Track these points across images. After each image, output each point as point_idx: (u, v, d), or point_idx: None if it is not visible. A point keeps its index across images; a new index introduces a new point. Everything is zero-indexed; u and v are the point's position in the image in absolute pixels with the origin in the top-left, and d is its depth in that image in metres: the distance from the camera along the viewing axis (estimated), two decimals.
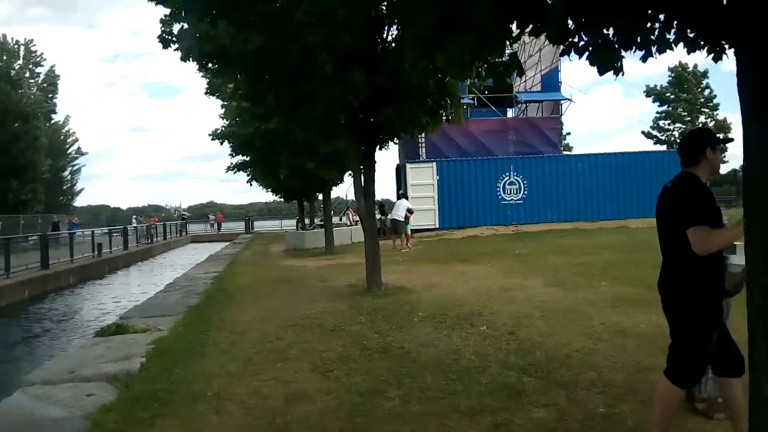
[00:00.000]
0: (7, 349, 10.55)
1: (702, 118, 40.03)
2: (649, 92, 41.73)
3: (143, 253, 29.16)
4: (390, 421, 3.80)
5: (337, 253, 16.10)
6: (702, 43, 3.16)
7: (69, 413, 4.30)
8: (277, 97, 8.56)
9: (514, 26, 2.92)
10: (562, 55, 3.18)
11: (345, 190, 27.67)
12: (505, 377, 4.53)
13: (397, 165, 24.73)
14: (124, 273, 23.04)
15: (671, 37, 3.19)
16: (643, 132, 41.79)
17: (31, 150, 37.19)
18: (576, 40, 3.17)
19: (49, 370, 5.73)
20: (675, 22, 3.00)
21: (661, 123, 41.17)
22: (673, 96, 40.13)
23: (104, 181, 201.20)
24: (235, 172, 19.14)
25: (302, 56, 7.39)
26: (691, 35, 3.07)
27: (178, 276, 14.45)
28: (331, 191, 21.88)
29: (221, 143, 15.86)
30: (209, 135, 16.20)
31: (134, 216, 43.80)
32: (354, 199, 10.47)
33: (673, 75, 40.43)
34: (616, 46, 3.26)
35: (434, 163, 21.95)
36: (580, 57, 3.01)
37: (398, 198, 18.05)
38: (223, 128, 16.06)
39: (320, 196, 20.51)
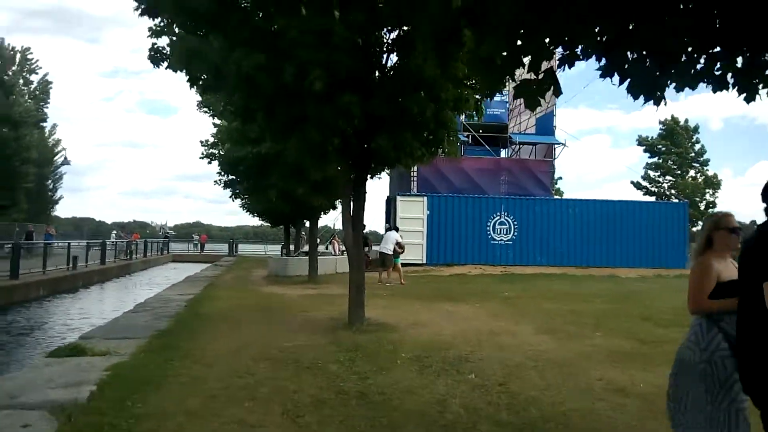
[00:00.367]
0: None
1: (692, 172, 40.44)
2: (641, 142, 42.17)
3: (120, 270, 28.28)
4: None
5: (321, 283, 15.57)
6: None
7: None
8: (269, 117, 8.22)
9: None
10: (603, 76, 2.87)
11: (333, 218, 27.20)
12: None
13: (388, 197, 24.44)
14: (97, 288, 22.21)
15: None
16: (632, 182, 42.11)
17: (16, 158, 36.43)
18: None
19: None
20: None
21: (651, 174, 41.50)
22: (664, 148, 40.56)
23: (93, 193, 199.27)
24: (224, 188, 18.65)
25: (297, 75, 7.08)
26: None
27: (151, 296, 13.80)
28: (319, 219, 21.46)
29: (209, 162, 15.46)
30: (200, 155, 15.84)
31: (114, 231, 42.70)
32: (342, 228, 10.04)
33: (664, 128, 40.97)
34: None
35: (425, 198, 21.66)
36: (622, 80, 2.71)
37: (386, 230, 17.64)
38: (214, 148, 15.68)
39: (308, 223, 20.06)
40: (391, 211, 22.23)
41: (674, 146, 40.36)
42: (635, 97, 2.94)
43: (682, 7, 2.93)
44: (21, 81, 41.50)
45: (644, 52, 3.10)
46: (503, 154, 27.99)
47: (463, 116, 23.96)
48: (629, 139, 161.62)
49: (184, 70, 7.67)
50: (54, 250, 22.23)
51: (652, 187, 41.29)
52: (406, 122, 7.74)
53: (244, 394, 4.96)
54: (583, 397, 5.03)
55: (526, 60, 3.05)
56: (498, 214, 21.88)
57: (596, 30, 2.80)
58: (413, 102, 7.43)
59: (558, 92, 3.06)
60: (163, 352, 6.65)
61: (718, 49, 3.23)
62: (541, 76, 2.95)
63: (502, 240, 21.93)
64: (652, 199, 39.39)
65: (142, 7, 7.40)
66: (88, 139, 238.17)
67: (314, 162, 9.66)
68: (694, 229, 27.97)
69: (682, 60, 3.10)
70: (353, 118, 7.33)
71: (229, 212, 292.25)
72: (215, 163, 16.68)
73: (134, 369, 5.88)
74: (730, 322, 2.80)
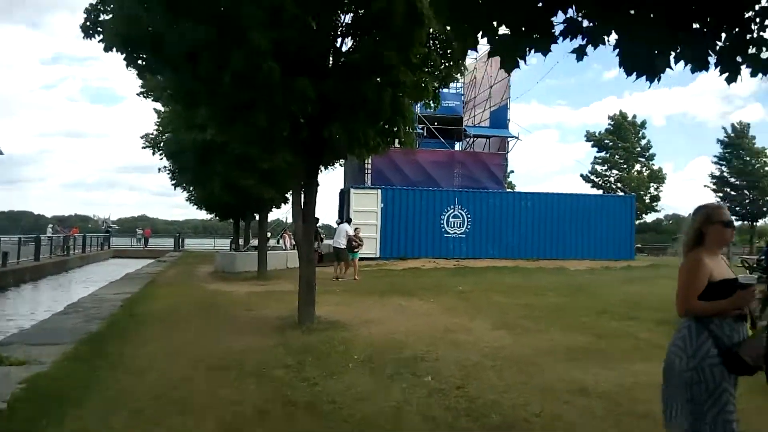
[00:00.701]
0: None
1: (638, 167, 41.76)
2: (589, 137, 43.21)
3: (56, 266, 26.62)
4: None
5: (270, 279, 14.95)
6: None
7: None
8: (213, 102, 7.62)
9: None
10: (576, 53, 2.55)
11: (285, 212, 26.44)
12: None
13: (341, 189, 23.96)
14: (30, 287, 20.75)
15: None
16: (581, 175, 43.12)
17: None
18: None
19: None
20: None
21: (598, 168, 42.60)
22: (611, 143, 41.70)
23: (32, 186, 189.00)
24: (171, 179, 17.62)
25: (247, 60, 6.52)
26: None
27: (85, 295, 12.86)
28: (270, 212, 20.74)
29: (153, 153, 14.55)
30: (142, 144, 14.89)
31: (50, 225, 40.29)
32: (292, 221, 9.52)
33: (612, 123, 42.13)
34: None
35: (379, 191, 21.28)
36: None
37: (338, 224, 17.18)
38: (156, 136, 14.75)
39: (257, 217, 19.33)
40: (344, 204, 21.76)
41: (621, 141, 41.52)
42: (628, 72, 2.66)
43: None
44: None
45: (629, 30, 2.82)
46: (458, 146, 27.93)
47: (418, 107, 23.68)
48: (577, 134, 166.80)
49: (122, 46, 6.97)
50: None
51: (599, 180, 42.41)
52: (362, 109, 7.32)
53: (177, 408, 4.44)
54: (546, 399, 4.76)
55: None
56: (452, 207, 21.76)
57: None
58: (369, 87, 7.02)
59: (547, 49, 2.73)
60: (89, 360, 6.01)
61: (696, 26, 2.99)
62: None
63: (455, 233, 21.83)
64: (600, 192, 40.42)
65: None
66: (26, 129, 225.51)
67: (262, 151, 9.14)
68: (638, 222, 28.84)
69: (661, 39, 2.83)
70: (307, 103, 6.86)
71: (176, 205, 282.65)
72: (164, 155, 15.73)
73: (55, 381, 5.23)
74: (721, 326, 2.53)
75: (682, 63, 2.94)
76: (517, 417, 4.34)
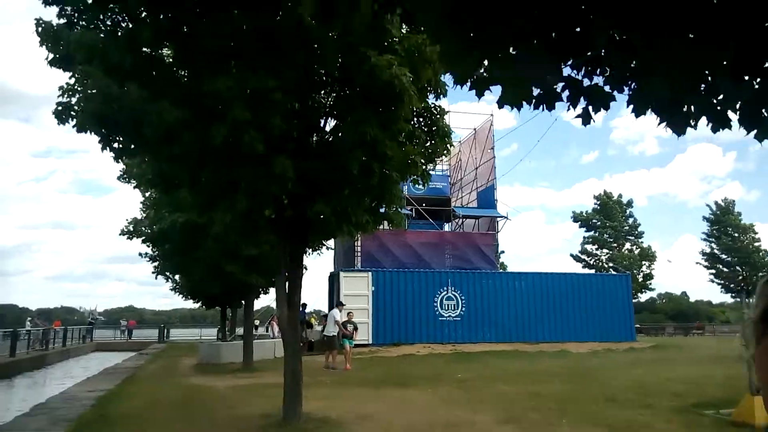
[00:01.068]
0: None
1: (628, 245, 41.75)
2: (576, 217, 43.50)
3: (33, 362, 25.19)
4: None
5: (256, 370, 14.03)
6: None
7: None
8: (192, 184, 7.32)
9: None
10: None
11: (273, 298, 25.65)
12: None
13: (331, 273, 23.39)
14: (3, 385, 19.44)
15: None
16: (572, 255, 43.02)
17: None
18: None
19: None
20: None
21: (588, 247, 42.55)
22: (599, 222, 41.93)
23: (17, 279, 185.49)
24: (154, 270, 17.02)
25: (227, 136, 6.31)
26: None
27: (56, 394, 11.89)
28: (257, 298, 20.03)
29: (130, 238, 14.10)
30: (122, 229, 14.46)
31: (29, 318, 38.89)
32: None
33: (598, 202, 42.59)
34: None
35: (370, 273, 20.75)
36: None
37: (329, 309, 16.50)
38: (135, 224, 14.36)
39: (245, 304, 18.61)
40: (334, 289, 21.13)
41: (608, 220, 41.79)
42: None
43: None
44: None
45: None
46: (447, 227, 27.81)
47: (406, 189, 23.71)
48: (561, 215, 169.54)
49: (96, 126, 6.73)
50: None
51: (590, 260, 42.23)
52: (348, 186, 7.04)
53: None
54: None
55: None
56: (445, 288, 21.20)
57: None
58: (355, 164, 6.76)
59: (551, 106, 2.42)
60: None
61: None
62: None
63: (450, 316, 21.12)
64: (592, 271, 40.10)
65: (53, 56, 6.64)
66: (14, 222, 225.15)
67: (245, 236, 8.75)
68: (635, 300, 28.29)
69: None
70: (287, 182, 6.57)
71: (163, 295, 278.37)
72: (146, 241, 15.26)
73: None
74: None
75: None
76: None
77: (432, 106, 7.97)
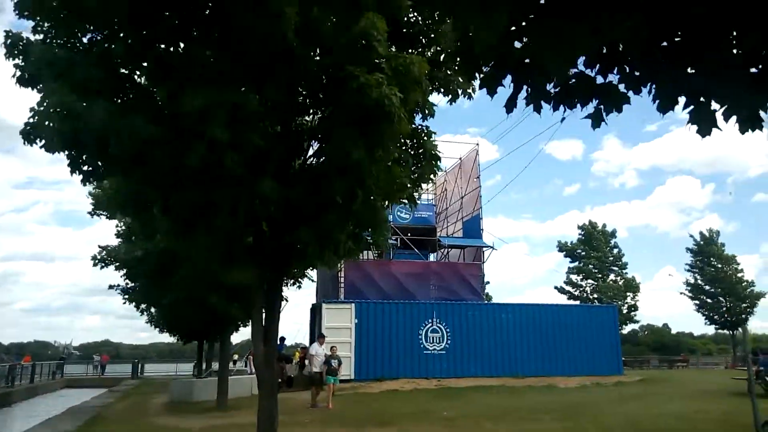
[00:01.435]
0: None
1: (612, 276, 41.60)
2: (562, 248, 43.38)
3: None
4: None
5: (230, 409, 13.23)
6: None
7: None
8: (165, 207, 6.82)
9: None
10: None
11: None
12: None
13: (313, 305, 22.70)
14: None
15: None
16: (556, 287, 42.72)
17: None
18: None
19: None
20: None
21: (573, 278, 42.31)
22: (583, 252, 41.81)
23: None
24: (127, 301, 16.18)
25: (205, 155, 5.89)
26: None
27: None
28: (236, 331, 19.31)
29: (101, 267, 13.39)
30: (92, 259, 13.75)
31: None
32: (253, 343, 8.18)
33: (583, 233, 42.57)
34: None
35: (353, 305, 20.10)
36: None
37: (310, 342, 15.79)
38: (108, 253, 13.68)
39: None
40: (316, 321, 20.44)
41: (593, 250, 41.71)
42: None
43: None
44: None
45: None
46: (432, 257, 27.39)
47: (391, 217, 23.23)
48: (545, 246, 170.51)
49: (63, 146, 6.26)
50: None
51: (575, 291, 41.95)
52: (332, 212, 6.61)
53: None
54: None
55: None
56: (430, 321, 20.61)
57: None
58: (339, 189, 6.36)
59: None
60: None
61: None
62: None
63: (435, 349, 20.50)
64: (577, 302, 39.79)
65: (21, 74, 6.22)
66: None
67: (223, 265, 8.23)
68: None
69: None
70: (270, 205, 6.15)
71: (141, 329, 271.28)
72: (119, 268, 14.52)
73: None
74: None
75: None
76: None
77: (420, 127, 7.64)
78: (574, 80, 2.40)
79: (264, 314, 7.03)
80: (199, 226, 6.82)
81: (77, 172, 6.79)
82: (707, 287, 40.02)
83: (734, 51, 2.21)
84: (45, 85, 6.37)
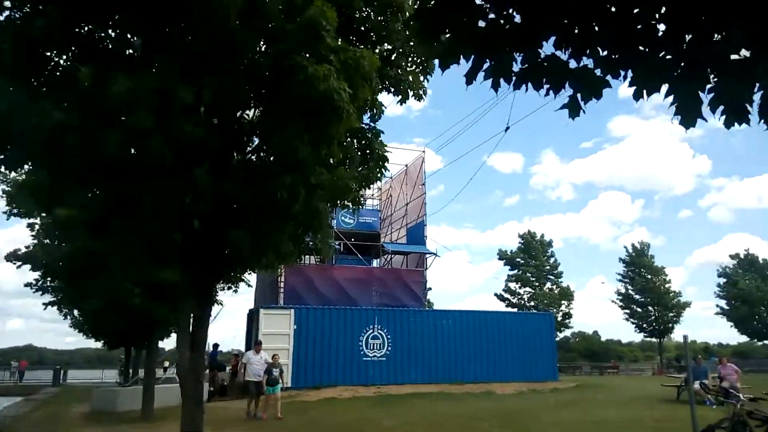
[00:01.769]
0: None
1: (549, 284, 42.75)
2: (502, 256, 44.25)
3: None
4: None
5: (157, 420, 12.36)
6: None
7: None
8: (79, 200, 6.20)
9: None
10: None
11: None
12: None
13: (250, 310, 21.89)
14: None
15: None
16: (495, 294, 43.49)
17: None
18: None
19: None
20: None
21: (512, 286, 43.19)
22: (523, 261, 42.80)
23: None
24: (41, 293, 14.90)
25: (125, 144, 5.36)
26: None
27: None
28: (167, 336, 18.35)
29: (18, 267, 12.29)
30: (6, 259, 12.60)
31: None
32: (178, 349, 7.37)
33: (522, 242, 43.60)
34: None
35: (292, 310, 19.51)
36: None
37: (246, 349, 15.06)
38: (24, 253, 12.60)
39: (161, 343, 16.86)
40: (253, 327, 19.68)
41: (532, 259, 42.75)
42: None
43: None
44: None
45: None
46: (375, 263, 27.12)
47: (335, 222, 22.83)
48: (484, 254, 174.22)
49: None
50: None
51: (513, 298, 42.82)
52: (271, 212, 6.18)
53: None
54: None
55: None
56: (371, 327, 20.30)
57: None
58: (281, 187, 5.93)
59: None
60: None
61: None
62: None
63: (375, 356, 20.19)
64: (515, 310, 40.59)
65: None
66: None
67: (146, 266, 7.62)
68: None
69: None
70: (202, 200, 5.65)
71: (68, 333, 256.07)
72: (34, 269, 13.34)
73: None
74: None
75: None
76: None
77: (367, 126, 7.34)
78: (545, 63, 2.14)
79: (192, 319, 6.49)
80: (115, 224, 6.25)
81: None
82: (637, 296, 41.81)
83: (718, 36, 2.01)
84: None
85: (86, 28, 5.96)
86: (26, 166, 6.60)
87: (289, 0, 5.65)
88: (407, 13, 7.14)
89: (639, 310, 41.55)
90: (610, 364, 44.09)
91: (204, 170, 5.67)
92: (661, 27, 2.04)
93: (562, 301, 41.94)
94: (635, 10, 2.11)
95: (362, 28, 7.50)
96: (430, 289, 39.06)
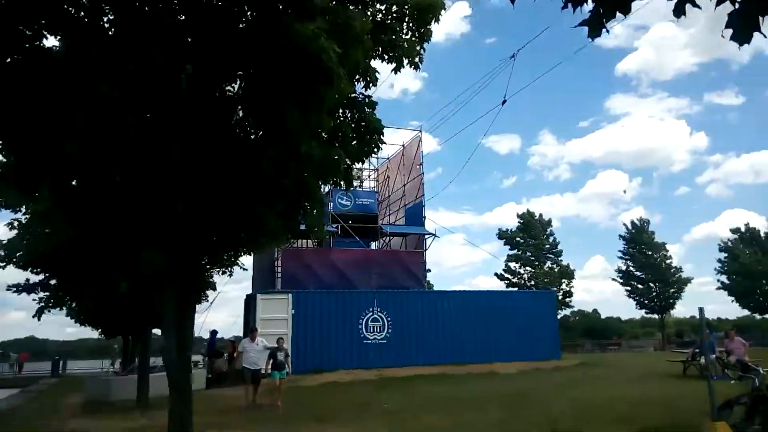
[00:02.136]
0: None
1: (549, 263, 42.53)
2: (501, 235, 44.00)
3: None
4: None
5: (153, 409, 12.02)
6: None
7: None
8: (54, 181, 5.77)
9: None
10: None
11: (199, 324, 23.32)
12: None
13: (247, 296, 21.55)
14: None
15: None
16: (496, 273, 43.26)
17: None
18: None
19: None
20: None
21: (512, 265, 42.96)
22: (522, 240, 42.53)
23: None
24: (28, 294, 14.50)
25: (91, 118, 4.94)
26: None
27: None
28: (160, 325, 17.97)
29: (3, 266, 11.91)
30: None
31: None
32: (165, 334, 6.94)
33: (522, 221, 43.28)
34: None
35: (290, 295, 19.17)
36: None
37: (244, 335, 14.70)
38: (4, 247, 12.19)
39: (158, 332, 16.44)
40: (250, 312, 19.36)
41: (531, 238, 42.47)
42: None
43: None
44: None
45: None
46: (374, 245, 26.78)
47: (332, 205, 22.36)
48: (483, 237, 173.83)
49: None
50: None
51: (513, 278, 42.61)
52: (259, 188, 5.77)
53: None
54: None
55: None
56: (371, 310, 20.00)
57: None
58: (268, 158, 5.51)
59: None
60: None
61: None
62: None
63: (375, 339, 19.92)
64: (515, 289, 40.41)
65: None
66: None
67: (125, 249, 7.20)
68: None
69: None
70: (183, 177, 5.25)
71: (69, 324, 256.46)
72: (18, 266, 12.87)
73: None
74: None
75: None
76: None
77: (360, 96, 6.86)
78: None
79: (177, 306, 6.09)
80: (96, 206, 5.86)
81: None
82: (638, 273, 41.59)
83: None
84: None
85: None
86: None
87: None
88: None
89: (640, 286, 41.40)
90: (612, 341, 44.07)
91: (181, 145, 5.24)
92: None
93: (563, 280, 41.75)
94: None
95: None
96: (429, 270, 38.78)
